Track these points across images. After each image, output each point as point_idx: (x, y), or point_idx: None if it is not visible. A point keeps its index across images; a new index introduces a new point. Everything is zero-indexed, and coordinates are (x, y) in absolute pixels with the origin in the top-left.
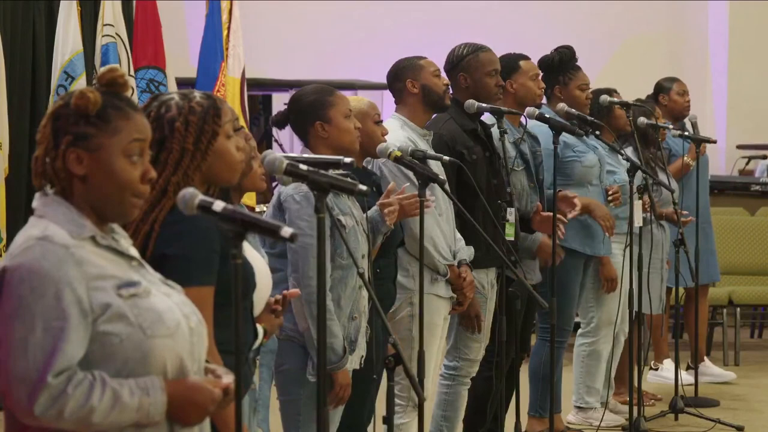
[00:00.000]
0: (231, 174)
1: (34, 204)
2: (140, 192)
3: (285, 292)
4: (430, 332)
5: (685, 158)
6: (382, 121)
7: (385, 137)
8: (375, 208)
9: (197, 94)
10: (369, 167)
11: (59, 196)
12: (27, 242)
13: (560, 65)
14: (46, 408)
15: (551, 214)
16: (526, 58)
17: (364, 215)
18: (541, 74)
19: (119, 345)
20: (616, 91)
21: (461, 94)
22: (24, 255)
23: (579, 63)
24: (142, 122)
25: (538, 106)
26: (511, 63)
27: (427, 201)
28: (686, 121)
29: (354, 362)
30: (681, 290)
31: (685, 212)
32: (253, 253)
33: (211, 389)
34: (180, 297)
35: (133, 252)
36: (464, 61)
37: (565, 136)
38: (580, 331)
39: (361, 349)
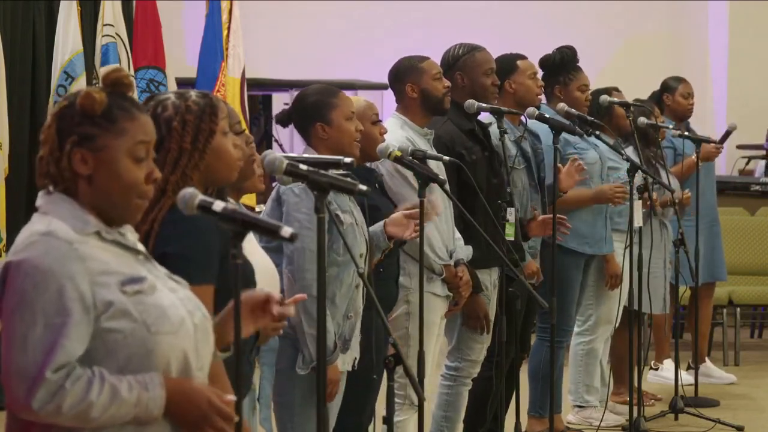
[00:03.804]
0: (229, 172)
1: (38, 202)
2: (144, 193)
3: (279, 295)
4: (427, 330)
5: (694, 157)
6: (380, 121)
7: (384, 136)
8: (379, 224)
9: (193, 94)
10: (371, 165)
11: (63, 194)
12: (31, 237)
13: (561, 65)
14: (44, 403)
15: (549, 216)
16: (523, 57)
17: (363, 218)
18: (542, 73)
19: (122, 341)
20: (617, 90)
21: (458, 94)
22: (27, 250)
23: (580, 62)
24: (148, 123)
25: (538, 107)
26: (509, 63)
27: (429, 213)
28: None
29: (347, 363)
30: (685, 290)
31: (687, 191)
32: (256, 251)
33: (213, 397)
34: (185, 292)
35: (140, 246)
36: (460, 61)
37: (566, 134)
38: (576, 329)
39: (354, 351)
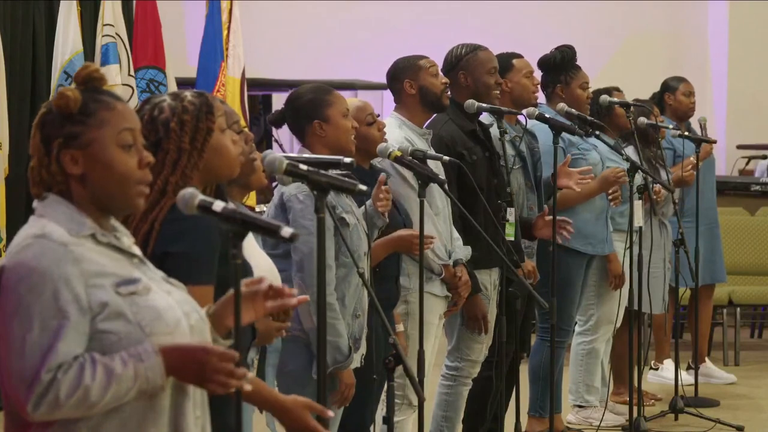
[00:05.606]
0: (230, 169)
1: (34, 205)
2: (141, 178)
3: (286, 290)
4: (426, 330)
5: (693, 158)
6: (376, 120)
7: (384, 131)
8: (369, 202)
9: (188, 94)
10: (378, 165)
11: (59, 196)
12: (25, 240)
13: (562, 64)
14: (39, 398)
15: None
16: (519, 56)
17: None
18: (541, 73)
19: (117, 343)
20: (618, 89)
21: (460, 93)
22: (22, 253)
23: (579, 62)
24: (127, 111)
25: (536, 106)
26: (505, 62)
27: (429, 240)
28: (697, 122)
29: (356, 360)
30: (685, 290)
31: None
32: (256, 252)
33: (209, 346)
34: (181, 294)
35: (135, 249)
36: (463, 61)
37: (569, 135)
38: (578, 329)
39: (363, 348)
